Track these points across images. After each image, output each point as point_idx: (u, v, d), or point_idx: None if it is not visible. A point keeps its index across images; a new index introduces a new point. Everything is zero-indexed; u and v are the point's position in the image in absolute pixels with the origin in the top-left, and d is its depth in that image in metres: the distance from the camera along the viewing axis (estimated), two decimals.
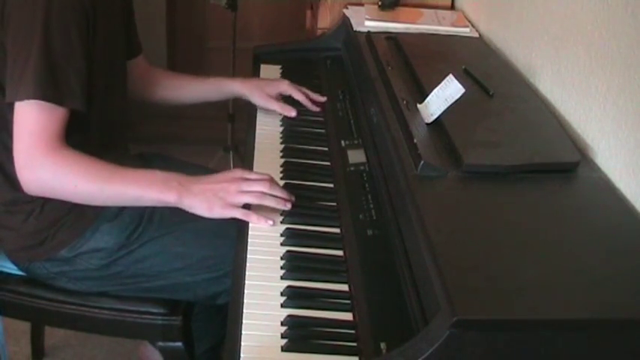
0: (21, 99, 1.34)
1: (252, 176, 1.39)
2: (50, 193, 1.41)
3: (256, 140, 1.65)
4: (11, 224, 1.49)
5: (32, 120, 1.34)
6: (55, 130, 1.36)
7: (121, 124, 1.60)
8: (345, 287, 1.19)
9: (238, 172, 1.41)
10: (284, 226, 1.33)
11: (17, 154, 1.37)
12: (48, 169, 1.36)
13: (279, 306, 1.14)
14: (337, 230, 1.33)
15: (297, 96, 1.77)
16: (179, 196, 1.35)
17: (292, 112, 1.72)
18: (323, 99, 1.79)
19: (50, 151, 1.35)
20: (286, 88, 1.78)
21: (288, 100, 1.78)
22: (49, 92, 1.33)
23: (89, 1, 1.38)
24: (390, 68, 1.59)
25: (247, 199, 1.34)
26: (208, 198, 1.34)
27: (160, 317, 1.53)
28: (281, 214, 1.36)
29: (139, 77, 1.73)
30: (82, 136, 1.45)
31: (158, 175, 1.40)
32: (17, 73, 1.34)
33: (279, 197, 1.35)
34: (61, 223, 1.47)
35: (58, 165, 1.36)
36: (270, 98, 1.76)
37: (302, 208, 1.37)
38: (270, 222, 1.33)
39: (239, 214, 1.33)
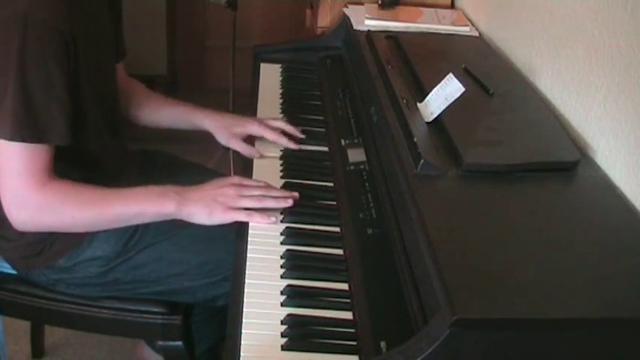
0: (1, 137, 1.30)
1: (250, 182, 1.39)
2: (48, 229, 1.40)
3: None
4: (9, 235, 1.48)
5: (17, 160, 1.30)
6: (43, 165, 1.32)
7: (113, 126, 1.57)
8: (345, 286, 1.19)
9: (235, 179, 1.40)
10: (284, 225, 1.33)
11: (6, 196, 1.34)
12: (43, 208, 1.34)
13: (279, 305, 1.14)
14: (337, 229, 1.33)
15: (270, 137, 1.60)
16: (178, 205, 1.34)
17: (256, 154, 1.58)
18: (300, 135, 1.63)
19: (41, 189, 1.32)
20: (257, 129, 1.62)
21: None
22: (27, 133, 1.29)
23: (68, 29, 1.31)
24: (390, 67, 1.59)
25: (248, 203, 1.34)
26: (208, 204, 1.34)
27: (159, 316, 1.53)
28: (281, 213, 1.36)
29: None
30: (74, 149, 1.41)
31: (154, 189, 1.38)
32: None
33: (279, 197, 1.35)
34: (58, 233, 1.45)
35: (52, 202, 1.34)
36: (233, 137, 1.63)
37: (302, 207, 1.37)
38: (273, 219, 1.33)
39: (242, 216, 1.33)
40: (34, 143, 1.30)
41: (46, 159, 1.33)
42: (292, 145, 1.60)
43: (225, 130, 1.65)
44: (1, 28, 1.29)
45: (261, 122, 1.65)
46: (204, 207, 1.34)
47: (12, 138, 1.29)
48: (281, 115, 1.75)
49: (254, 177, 1.48)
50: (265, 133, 1.61)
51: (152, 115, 1.74)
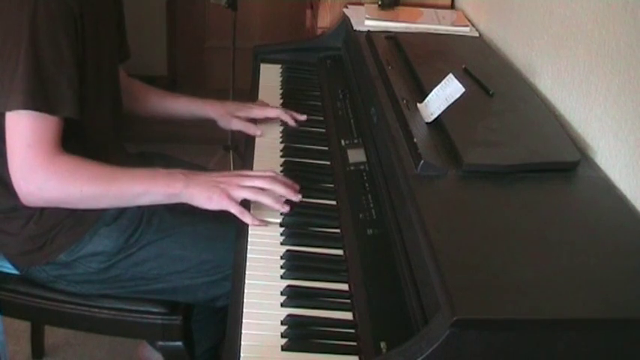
0: (11, 109, 1.32)
1: (255, 173, 1.41)
2: (55, 202, 1.40)
3: (256, 139, 1.65)
4: (11, 229, 1.49)
5: (27, 131, 1.32)
6: (52, 138, 1.34)
7: (115, 126, 1.59)
8: (345, 286, 1.19)
9: (243, 171, 1.43)
10: (284, 226, 1.33)
11: (15, 167, 1.35)
12: (51, 179, 1.35)
13: (279, 305, 1.14)
14: (337, 230, 1.33)
15: (273, 113, 1.70)
16: (185, 184, 1.36)
17: (257, 132, 1.66)
18: (303, 117, 1.71)
19: (51, 161, 1.34)
20: (258, 112, 1.71)
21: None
22: (39, 102, 1.31)
23: (77, 7, 1.35)
24: (390, 67, 1.59)
25: (245, 194, 1.35)
26: (209, 188, 1.36)
27: (159, 317, 1.53)
28: (281, 214, 1.36)
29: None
30: (76, 140, 1.43)
31: (161, 170, 1.41)
32: (6, 82, 1.32)
33: (280, 195, 1.36)
34: (60, 227, 1.46)
35: (60, 173, 1.35)
36: (235, 119, 1.70)
37: (302, 207, 1.37)
38: (256, 222, 1.33)
39: (235, 210, 1.34)
40: (45, 113, 1.32)
41: (55, 132, 1.35)
42: (292, 123, 1.69)
43: (228, 115, 1.71)
44: (13, 1, 1.32)
45: (262, 105, 1.73)
46: (205, 191, 1.36)
47: (25, 107, 1.31)
48: None
49: None
50: (268, 112, 1.70)
51: (154, 107, 1.78)
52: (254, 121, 1.72)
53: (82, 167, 1.37)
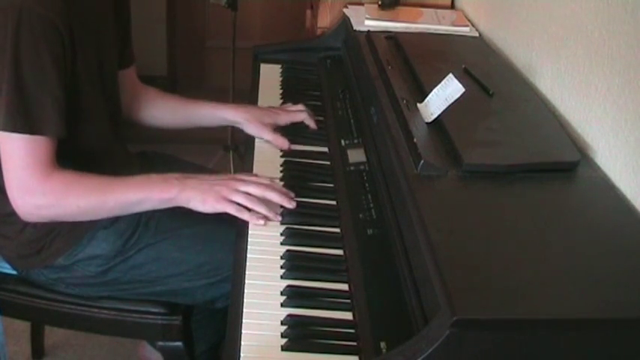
0: None
1: (250, 178, 1.40)
2: (53, 218, 1.41)
3: (256, 140, 1.65)
4: (8, 233, 1.49)
5: (20, 153, 1.33)
6: (46, 158, 1.34)
7: (114, 129, 1.58)
8: (345, 286, 1.19)
9: (239, 175, 1.42)
10: (284, 226, 1.33)
11: (11, 187, 1.36)
12: (48, 199, 1.36)
13: (279, 305, 1.14)
14: (337, 230, 1.33)
15: (299, 118, 1.68)
16: (179, 189, 1.36)
17: (285, 145, 1.60)
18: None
19: (46, 181, 1.34)
20: (285, 118, 1.68)
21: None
22: (19, 123, 1.31)
23: (63, 23, 1.33)
24: (390, 67, 1.59)
25: (239, 199, 1.35)
26: (204, 190, 1.36)
27: (159, 317, 1.53)
28: (281, 214, 1.35)
29: (127, 91, 1.68)
30: (73, 148, 1.43)
31: (155, 176, 1.40)
32: None
33: (275, 203, 1.35)
34: (57, 231, 1.46)
35: (56, 192, 1.36)
36: (265, 128, 1.64)
37: (302, 207, 1.37)
38: (262, 221, 1.33)
39: (232, 209, 1.34)
40: (26, 134, 1.32)
41: (48, 150, 1.35)
42: (314, 125, 1.68)
43: (257, 122, 1.66)
44: None
45: (286, 110, 1.71)
46: (200, 194, 1.36)
47: (4, 128, 1.31)
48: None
49: None
50: (295, 118, 1.68)
51: (173, 115, 1.75)
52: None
53: (77, 183, 1.38)
